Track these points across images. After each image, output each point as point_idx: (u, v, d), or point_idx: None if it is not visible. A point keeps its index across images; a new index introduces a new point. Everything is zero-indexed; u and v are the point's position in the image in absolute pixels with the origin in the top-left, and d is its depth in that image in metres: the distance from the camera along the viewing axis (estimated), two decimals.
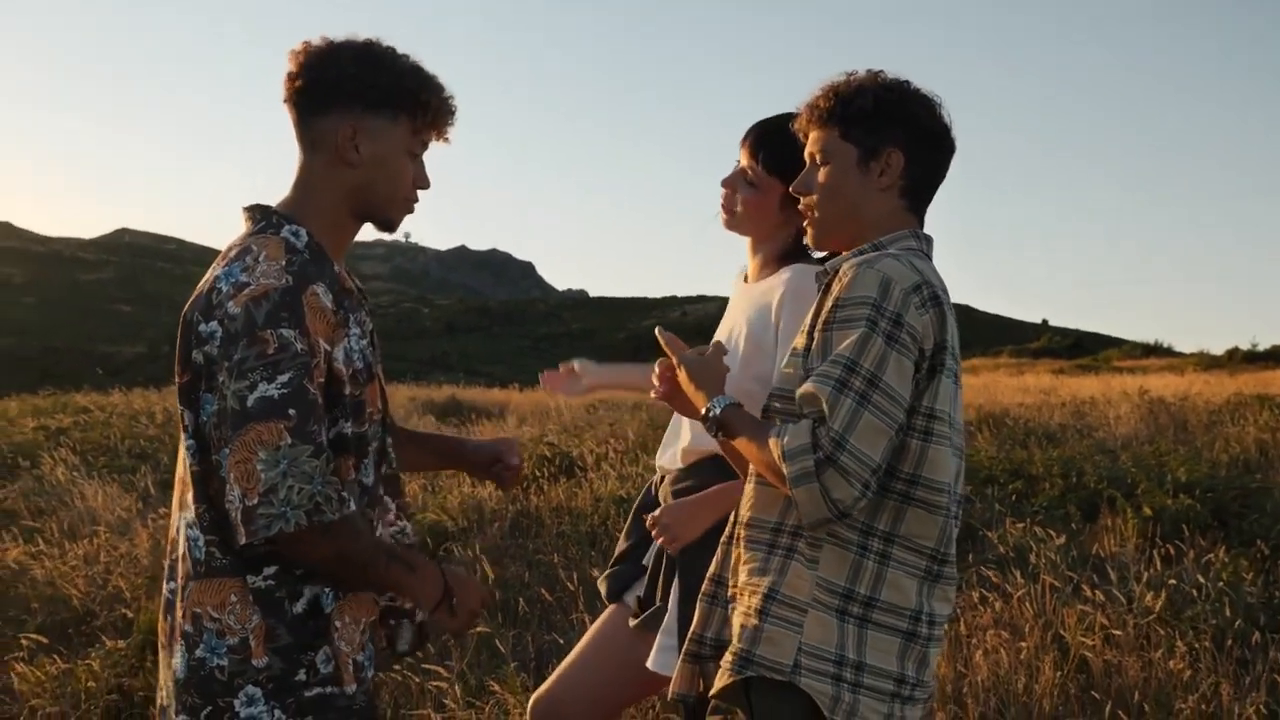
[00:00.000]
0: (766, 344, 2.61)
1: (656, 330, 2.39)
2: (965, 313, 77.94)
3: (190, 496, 2.01)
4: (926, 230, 2.26)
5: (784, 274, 2.67)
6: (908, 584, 2.08)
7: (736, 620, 2.15)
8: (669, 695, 2.31)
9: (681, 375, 2.28)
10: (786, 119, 2.66)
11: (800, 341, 2.16)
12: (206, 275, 2.04)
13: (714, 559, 2.30)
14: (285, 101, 2.11)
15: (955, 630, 4.54)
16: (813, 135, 2.27)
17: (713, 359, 2.29)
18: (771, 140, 2.66)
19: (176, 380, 2.01)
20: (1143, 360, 35.86)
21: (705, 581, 2.29)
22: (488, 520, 7.31)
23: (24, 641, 4.65)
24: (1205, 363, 31.10)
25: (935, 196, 2.29)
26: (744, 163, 2.71)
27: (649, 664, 2.71)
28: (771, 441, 2.02)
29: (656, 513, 2.68)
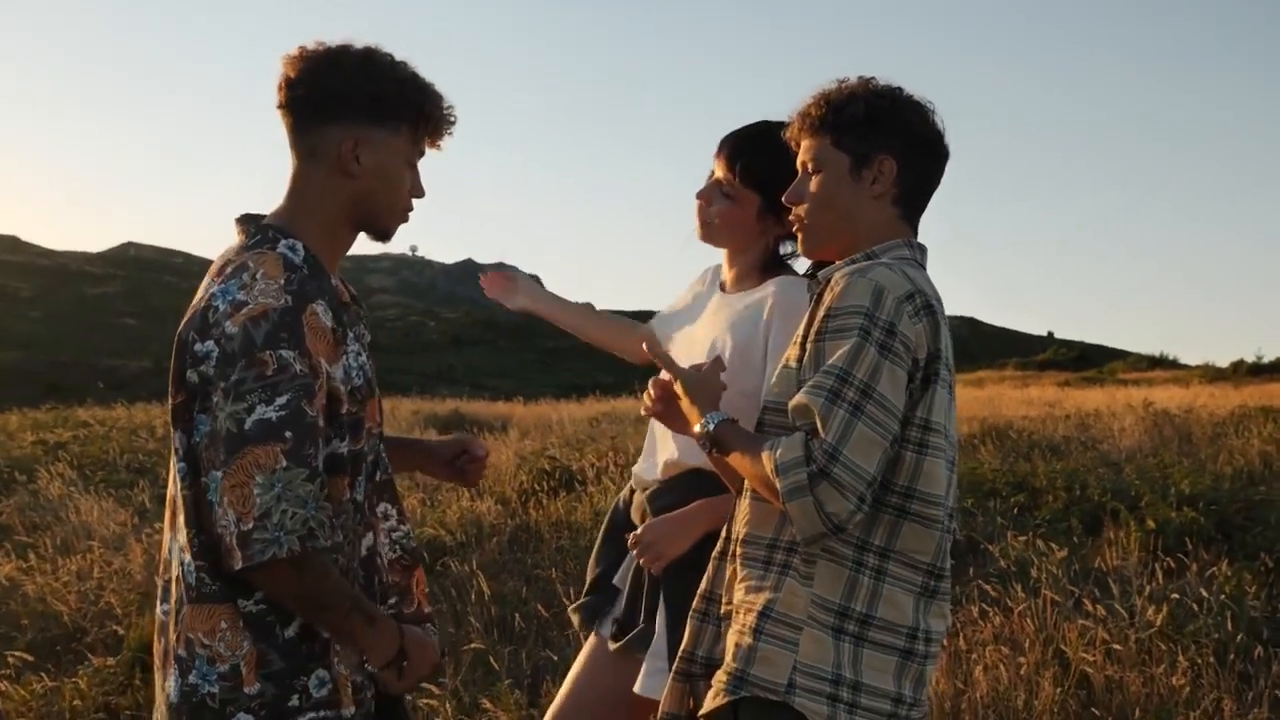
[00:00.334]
0: (754, 358, 2.55)
1: (645, 346, 2.35)
2: (971, 325, 77.90)
3: (181, 520, 1.97)
4: (921, 239, 2.23)
5: (770, 286, 2.63)
6: (904, 600, 2.04)
7: (730, 639, 2.11)
8: (658, 716, 2.27)
9: (678, 389, 2.25)
10: (761, 128, 2.63)
11: (793, 353, 2.13)
12: (200, 292, 2.00)
13: (705, 575, 2.25)
14: (280, 108, 2.07)
15: (955, 645, 4.50)
16: (804, 143, 2.23)
17: (710, 374, 2.26)
18: (748, 151, 2.60)
19: (170, 401, 1.97)
20: (1148, 372, 35.77)
21: (696, 598, 2.25)
22: (486, 535, 7.26)
23: (10, 659, 4.60)
24: (1210, 375, 31.00)
25: (930, 204, 2.24)
26: (720, 174, 2.64)
27: (637, 688, 2.62)
28: (765, 455, 1.98)
29: (639, 530, 2.61)
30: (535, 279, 3.05)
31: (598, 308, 3.15)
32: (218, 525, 1.86)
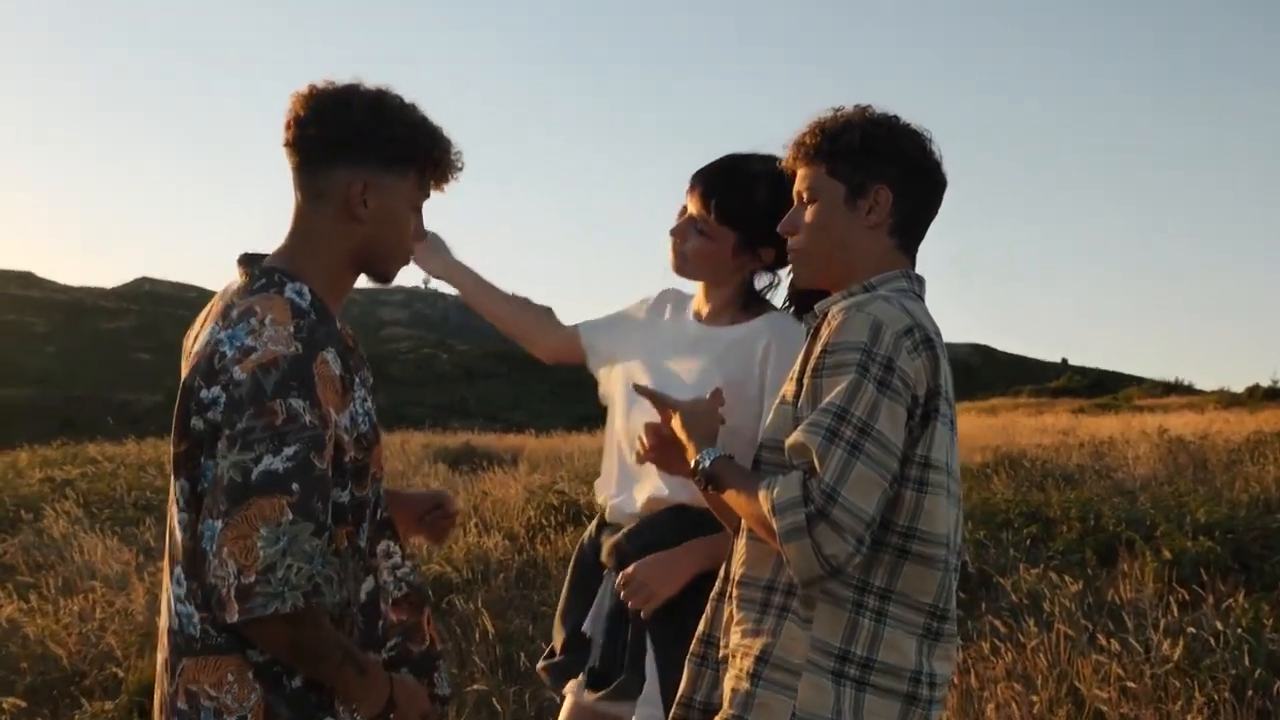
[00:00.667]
0: (747, 394, 2.49)
1: (634, 386, 2.29)
2: (984, 352, 77.64)
3: (181, 571, 1.92)
4: (932, 264, 2.19)
5: (761, 322, 2.58)
6: (906, 643, 1.98)
7: (728, 684, 2.05)
8: None
9: (676, 424, 2.19)
10: (730, 163, 2.58)
11: (789, 389, 2.08)
12: (204, 336, 1.96)
13: (703, 616, 2.20)
14: (287, 146, 2.03)
15: (966, 683, 4.42)
16: (800, 172, 2.18)
17: (708, 409, 2.21)
18: (722, 187, 2.55)
19: (172, 448, 1.93)
20: (1163, 398, 35.59)
21: (694, 641, 2.19)
22: (493, 571, 7.20)
23: (6, 705, 4.54)
24: (1226, 400, 30.82)
25: (930, 232, 2.20)
26: (694, 211, 2.58)
27: None
28: (761, 495, 1.93)
29: (628, 570, 2.51)
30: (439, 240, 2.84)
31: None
32: (211, 575, 1.81)
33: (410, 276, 2.16)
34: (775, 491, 1.90)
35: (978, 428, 19.51)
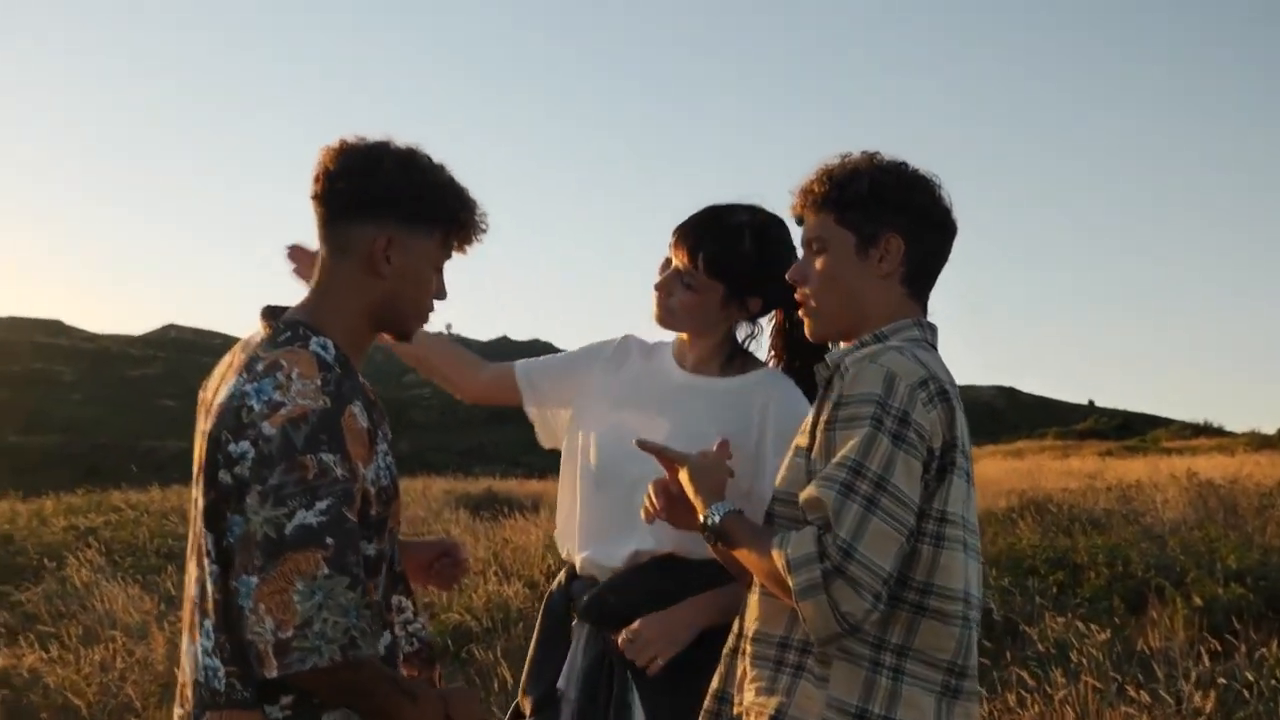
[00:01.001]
0: (745, 449, 2.45)
1: (636, 442, 2.26)
2: (1009, 394, 77.26)
3: (210, 624, 1.91)
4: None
5: (755, 376, 2.57)
6: (925, 701, 1.93)
7: None
8: None
9: (684, 478, 2.16)
10: (712, 215, 2.56)
11: (802, 441, 2.04)
12: (226, 388, 1.95)
13: (717, 673, 2.15)
14: (315, 199, 2.04)
15: None
16: (808, 221, 2.16)
17: (715, 462, 2.18)
18: (708, 241, 2.51)
19: (199, 499, 1.92)
20: (1192, 440, 35.27)
21: (708, 698, 2.14)
22: (513, 620, 7.14)
23: None
24: (1256, 442, 30.48)
25: (938, 281, 2.17)
26: (680, 265, 2.55)
27: None
28: (774, 551, 1.89)
29: (633, 627, 2.44)
30: None
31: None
32: (249, 631, 1.82)
33: (434, 323, 2.15)
34: (789, 549, 1.87)
35: (1002, 471, 19.38)
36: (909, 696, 1.92)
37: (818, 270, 2.13)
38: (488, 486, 19.30)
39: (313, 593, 1.79)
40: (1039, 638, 5.64)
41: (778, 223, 2.54)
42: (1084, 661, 5.05)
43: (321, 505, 1.81)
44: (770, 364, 2.64)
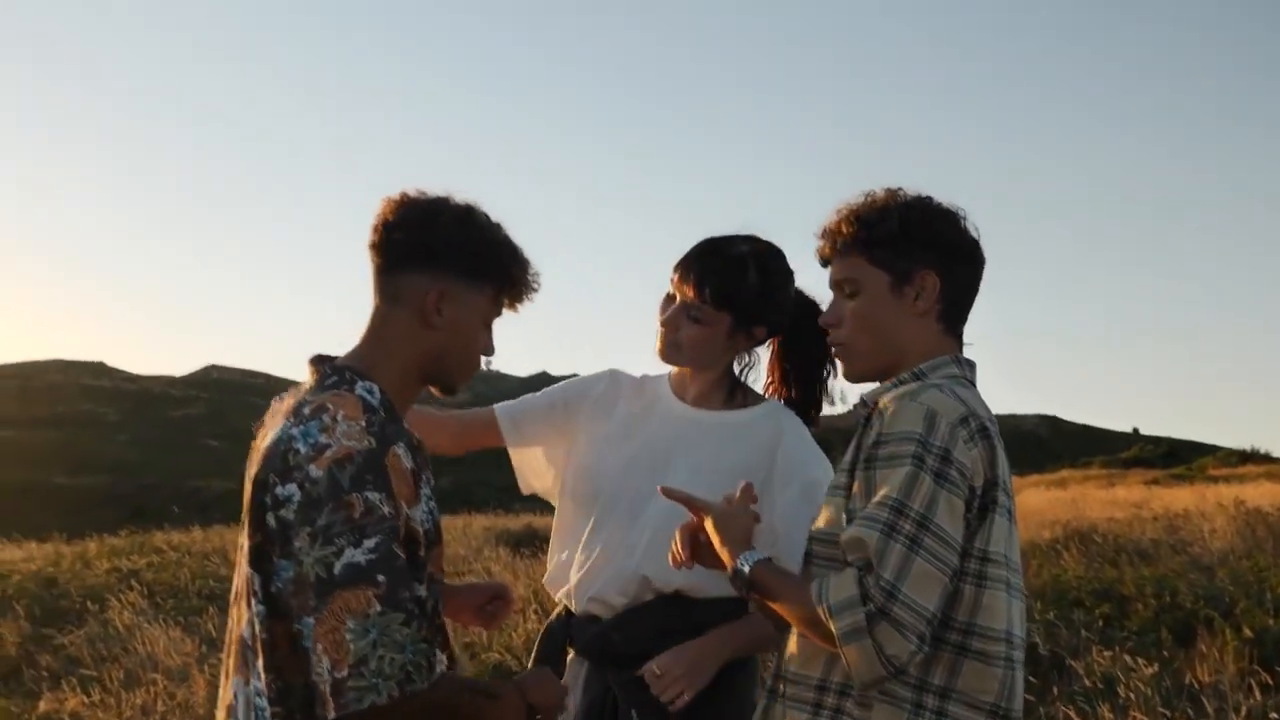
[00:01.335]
0: (756, 486, 2.40)
1: (660, 489, 2.23)
2: (1052, 423, 76.63)
3: (260, 664, 1.91)
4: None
5: (763, 410, 2.57)
6: None
7: None
8: None
9: (709, 526, 2.13)
10: (717, 245, 2.55)
11: (840, 480, 2.01)
12: (273, 433, 1.98)
13: (756, 714, 2.12)
14: (372, 248, 2.08)
15: None
16: (836, 265, 2.14)
17: (740, 508, 2.14)
18: (714, 272, 2.50)
19: (246, 540, 1.94)
20: (1239, 468, 34.87)
21: None
22: None
23: None
24: None
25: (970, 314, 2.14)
26: (687, 298, 2.52)
27: None
28: (813, 596, 1.87)
29: (658, 662, 2.41)
30: None
31: None
32: (313, 672, 1.83)
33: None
34: (829, 592, 1.84)
35: (1046, 501, 19.22)
36: None
37: (852, 312, 2.11)
38: (528, 523, 19.27)
39: (366, 630, 1.80)
40: (1085, 672, 5.57)
41: (776, 251, 2.55)
42: (1132, 696, 4.98)
43: (370, 543, 1.83)
44: (767, 395, 2.65)
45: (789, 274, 2.55)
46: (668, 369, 2.67)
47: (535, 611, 8.32)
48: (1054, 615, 7.12)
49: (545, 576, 2.71)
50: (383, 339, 2.08)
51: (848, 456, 2.03)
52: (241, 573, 1.98)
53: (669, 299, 2.57)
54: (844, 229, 2.10)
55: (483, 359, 2.18)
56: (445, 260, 2.05)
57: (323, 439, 1.88)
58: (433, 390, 2.20)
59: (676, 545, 2.22)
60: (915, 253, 2.06)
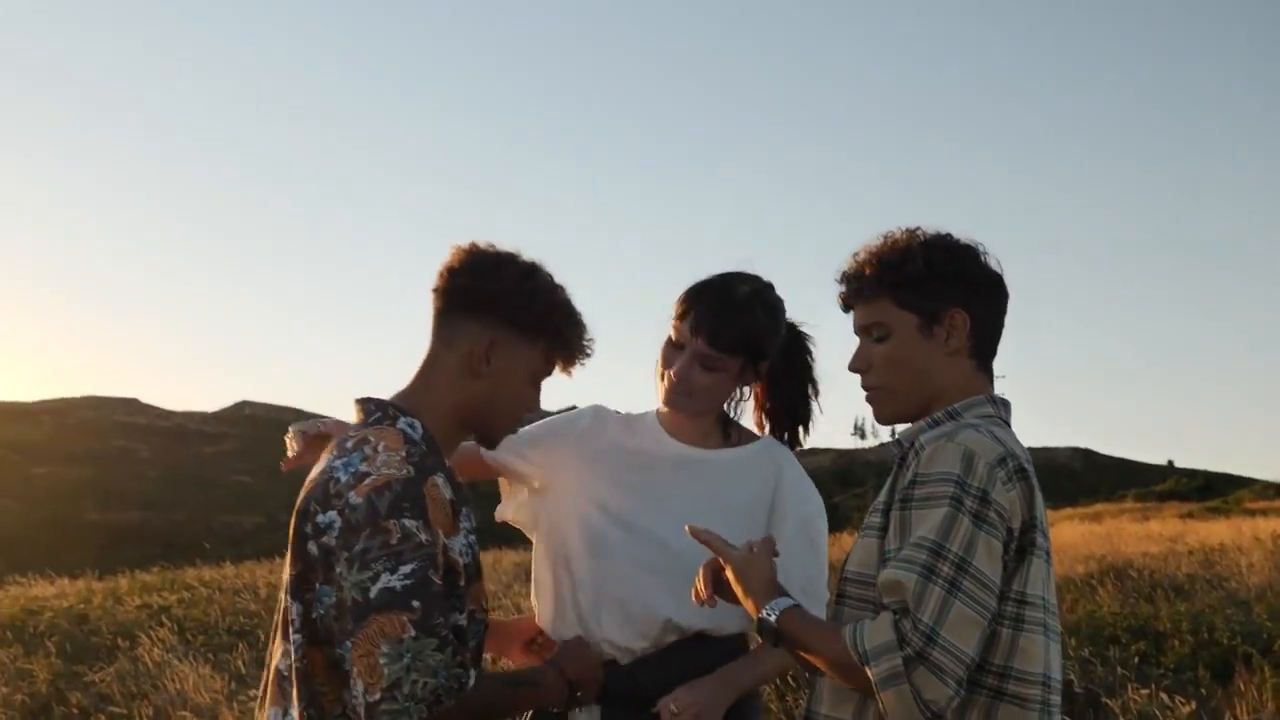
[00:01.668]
0: (759, 522, 2.46)
1: (687, 528, 2.20)
2: (1086, 456, 76.04)
3: (295, 693, 1.94)
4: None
5: (759, 447, 2.57)
6: None
7: None
8: None
9: (730, 574, 2.09)
10: (723, 289, 2.50)
11: (874, 520, 1.99)
12: (319, 466, 2.03)
13: None
14: (435, 292, 2.14)
15: None
16: (861, 309, 2.10)
17: (761, 557, 2.08)
18: (726, 319, 2.46)
19: (287, 570, 1.98)
20: (1275, 501, 34.49)
21: None
22: None
23: None
24: None
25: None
26: (699, 349, 2.46)
27: None
28: (847, 641, 1.83)
29: (674, 700, 2.37)
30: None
31: None
32: (350, 695, 1.86)
33: None
34: (864, 637, 1.81)
35: (1080, 535, 19.02)
36: None
37: (884, 357, 2.08)
38: None
39: (400, 655, 1.81)
40: (1121, 710, 5.50)
41: (769, 284, 2.54)
42: None
43: (405, 569, 1.85)
44: (755, 426, 2.65)
45: (783, 304, 2.56)
46: (651, 407, 2.62)
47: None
48: (1089, 652, 7.03)
49: (541, 618, 2.60)
50: (431, 381, 2.13)
51: (882, 496, 2.01)
52: (281, 606, 2.00)
53: (673, 346, 2.51)
54: (869, 271, 2.07)
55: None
56: (501, 311, 2.10)
57: (363, 468, 1.93)
58: (475, 439, 2.24)
59: (700, 583, 2.19)
60: (943, 291, 2.03)
